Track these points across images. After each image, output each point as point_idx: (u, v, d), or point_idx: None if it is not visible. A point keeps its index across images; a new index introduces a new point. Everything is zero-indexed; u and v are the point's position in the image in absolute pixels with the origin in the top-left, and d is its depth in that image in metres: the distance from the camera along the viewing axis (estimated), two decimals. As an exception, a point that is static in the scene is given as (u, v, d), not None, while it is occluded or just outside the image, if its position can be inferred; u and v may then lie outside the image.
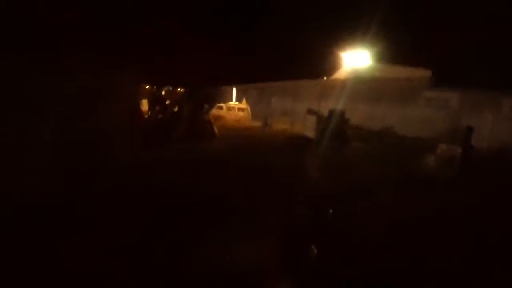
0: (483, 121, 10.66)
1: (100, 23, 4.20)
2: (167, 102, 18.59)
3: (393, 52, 13.70)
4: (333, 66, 18.45)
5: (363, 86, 15.14)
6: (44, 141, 4.03)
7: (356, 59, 16.58)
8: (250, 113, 19.62)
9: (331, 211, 4.78)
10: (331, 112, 11.56)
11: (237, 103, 21.00)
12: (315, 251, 3.63)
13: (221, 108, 19.36)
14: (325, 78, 19.77)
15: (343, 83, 15.99)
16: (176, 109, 13.63)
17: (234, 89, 25.99)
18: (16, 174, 3.91)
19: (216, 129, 12.31)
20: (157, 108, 14.96)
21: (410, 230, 4.36)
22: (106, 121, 4.42)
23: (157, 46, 6.15)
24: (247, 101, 21.42)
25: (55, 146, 4.08)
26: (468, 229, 4.42)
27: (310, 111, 13.06)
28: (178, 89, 22.98)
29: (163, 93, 21.57)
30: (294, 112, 20.22)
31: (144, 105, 14.85)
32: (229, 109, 19.60)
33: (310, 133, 11.98)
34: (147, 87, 21.91)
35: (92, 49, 4.23)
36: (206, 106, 14.43)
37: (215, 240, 3.67)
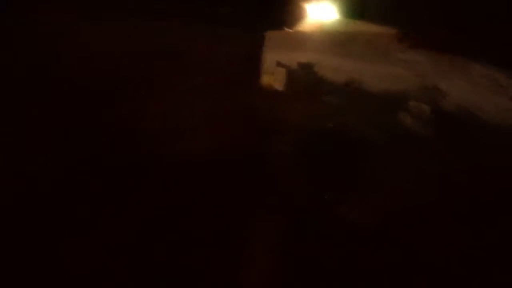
0: (452, 86, 11.00)
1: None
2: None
3: (362, 8, 14.22)
4: (299, 17, 18.55)
5: (331, 39, 15.16)
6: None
7: (323, 12, 16.62)
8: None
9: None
10: (300, 65, 11.98)
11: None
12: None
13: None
14: (290, 29, 19.21)
15: (311, 35, 15.96)
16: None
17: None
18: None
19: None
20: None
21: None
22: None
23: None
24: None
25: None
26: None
27: (279, 64, 13.11)
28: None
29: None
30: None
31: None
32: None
33: (280, 86, 12.05)
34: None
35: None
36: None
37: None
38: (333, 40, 15.28)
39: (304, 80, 11.70)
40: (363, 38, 14.07)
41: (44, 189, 4.15)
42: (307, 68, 12.10)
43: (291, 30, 19.60)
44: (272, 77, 12.71)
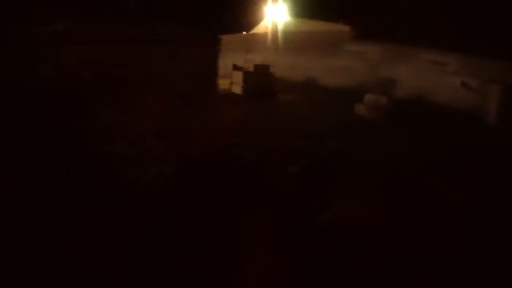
0: (400, 73, 11.24)
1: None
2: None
3: (313, 7, 14.51)
4: (256, 19, 18.57)
5: (285, 39, 15.35)
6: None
7: (277, 13, 16.83)
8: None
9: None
10: (257, 67, 12.10)
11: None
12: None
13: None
14: (244, 32, 19.36)
15: (265, 37, 16.08)
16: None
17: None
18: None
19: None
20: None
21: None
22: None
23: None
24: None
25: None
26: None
27: (235, 67, 13.09)
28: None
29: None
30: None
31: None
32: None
33: (238, 89, 12.04)
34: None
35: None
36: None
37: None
38: (287, 40, 15.46)
39: (261, 81, 11.83)
40: (316, 36, 14.20)
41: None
42: (263, 69, 12.23)
43: (246, 33, 19.46)
44: (230, 81, 12.73)
